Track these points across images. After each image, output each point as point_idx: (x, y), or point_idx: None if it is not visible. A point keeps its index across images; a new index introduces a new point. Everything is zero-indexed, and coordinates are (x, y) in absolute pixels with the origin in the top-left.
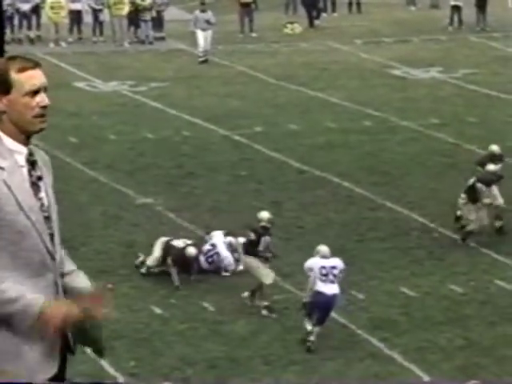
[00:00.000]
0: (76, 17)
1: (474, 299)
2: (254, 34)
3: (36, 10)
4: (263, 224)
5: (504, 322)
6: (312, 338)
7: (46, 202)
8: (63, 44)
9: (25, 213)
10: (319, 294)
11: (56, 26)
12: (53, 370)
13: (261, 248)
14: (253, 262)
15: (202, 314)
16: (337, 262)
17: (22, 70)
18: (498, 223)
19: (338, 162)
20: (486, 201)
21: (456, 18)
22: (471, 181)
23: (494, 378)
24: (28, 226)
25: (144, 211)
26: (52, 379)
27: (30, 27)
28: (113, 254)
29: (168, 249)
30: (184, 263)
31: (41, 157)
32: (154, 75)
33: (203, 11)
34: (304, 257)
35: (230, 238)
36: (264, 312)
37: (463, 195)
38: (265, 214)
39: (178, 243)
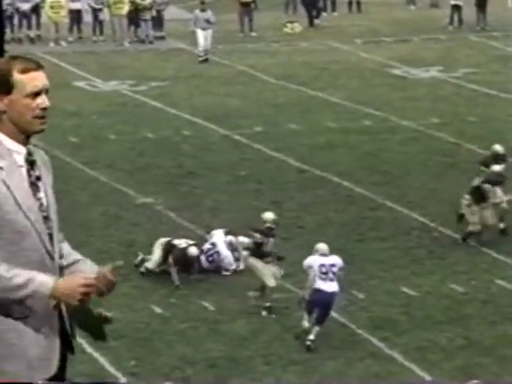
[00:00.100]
0: (76, 16)
1: (474, 299)
2: (253, 34)
3: (36, 9)
4: (268, 225)
5: (505, 321)
6: (311, 337)
7: (44, 201)
8: (63, 43)
9: (24, 212)
10: (318, 291)
11: (56, 25)
12: (53, 369)
13: (267, 249)
14: (257, 263)
15: (202, 313)
16: (336, 260)
17: (24, 70)
18: (501, 225)
19: (338, 162)
20: (496, 200)
21: (456, 18)
22: (476, 181)
23: (494, 378)
24: (27, 225)
25: (144, 211)
26: (52, 379)
27: (29, 27)
28: (113, 254)
29: (169, 248)
30: (185, 263)
31: (40, 157)
32: (154, 75)
33: (203, 10)
34: (304, 256)
35: (230, 237)
36: (264, 313)
37: (467, 196)
38: (269, 215)
39: (180, 243)
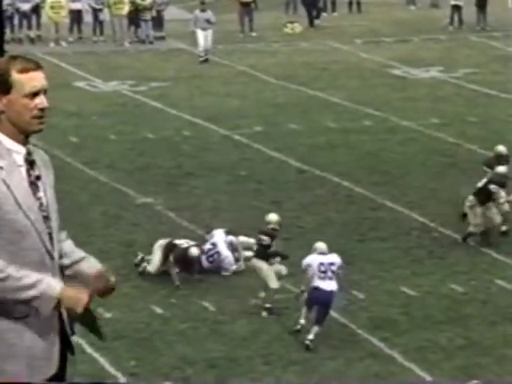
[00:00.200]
0: (76, 16)
1: (474, 299)
2: (253, 34)
3: (36, 9)
4: (272, 226)
5: (505, 321)
6: (311, 336)
7: (44, 201)
8: (63, 44)
9: (24, 212)
10: (317, 289)
11: (56, 25)
12: (53, 369)
13: (273, 250)
14: (262, 264)
15: (202, 313)
16: (335, 259)
17: (23, 70)
18: (504, 227)
19: (338, 162)
20: (502, 200)
21: (456, 18)
22: (482, 182)
23: (494, 378)
24: (27, 225)
25: (144, 211)
26: (52, 379)
27: (30, 27)
28: (113, 254)
29: (171, 247)
30: (186, 263)
31: (40, 156)
32: (154, 75)
33: (203, 11)
34: (304, 256)
35: (230, 237)
36: (264, 314)
37: (471, 197)
38: (273, 217)
39: (181, 243)
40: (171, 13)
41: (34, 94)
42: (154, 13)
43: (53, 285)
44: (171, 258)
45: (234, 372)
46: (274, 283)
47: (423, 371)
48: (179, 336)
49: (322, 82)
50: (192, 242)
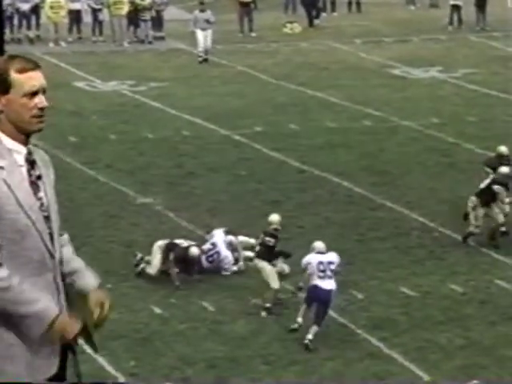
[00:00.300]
0: (75, 16)
1: (474, 299)
2: (253, 34)
3: (35, 9)
4: (275, 226)
5: (504, 321)
6: (310, 336)
7: (45, 201)
8: (63, 44)
9: (25, 212)
10: (316, 287)
11: (55, 25)
12: (53, 369)
13: (277, 250)
14: (265, 265)
15: (201, 313)
16: (333, 257)
17: (22, 70)
18: (504, 227)
19: (338, 162)
20: (507, 200)
21: (456, 18)
22: (485, 183)
23: (494, 378)
24: (28, 225)
25: (144, 211)
26: (52, 379)
27: (29, 27)
28: (113, 254)
29: (171, 247)
30: (186, 262)
31: (40, 156)
32: (153, 75)
33: (202, 11)
34: (304, 256)
35: (230, 237)
36: (263, 314)
37: (474, 198)
38: (275, 217)
39: (182, 242)
40: (171, 13)
41: (33, 94)
42: (153, 13)
43: (50, 308)
44: (171, 257)
45: (234, 372)
46: (275, 283)
47: (423, 371)
48: (179, 336)
49: (322, 82)
50: (192, 242)
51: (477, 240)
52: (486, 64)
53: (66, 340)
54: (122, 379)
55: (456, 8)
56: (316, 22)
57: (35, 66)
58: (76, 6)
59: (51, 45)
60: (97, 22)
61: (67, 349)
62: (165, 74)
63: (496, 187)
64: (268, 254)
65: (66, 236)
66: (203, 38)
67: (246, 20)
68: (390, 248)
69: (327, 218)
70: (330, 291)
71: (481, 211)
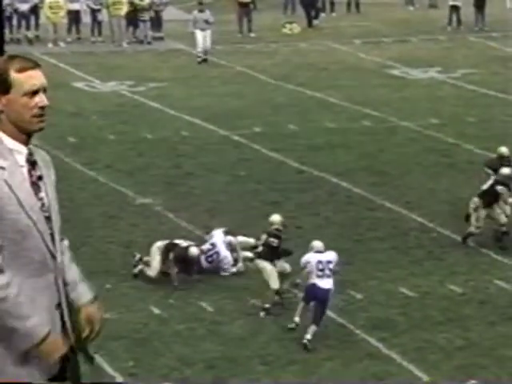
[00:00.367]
0: (74, 17)
1: (473, 299)
2: (252, 34)
3: (34, 10)
4: (276, 227)
5: (503, 321)
6: (308, 336)
7: (46, 201)
8: (62, 44)
9: (26, 212)
10: (314, 286)
11: (54, 26)
12: (54, 369)
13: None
14: (267, 265)
15: (200, 314)
16: (332, 256)
17: (21, 69)
18: (504, 228)
19: (337, 162)
20: (511, 200)
21: (454, 18)
22: (487, 184)
23: (493, 378)
24: (29, 225)
25: (143, 211)
26: (52, 379)
27: (28, 27)
28: (112, 254)
29: (170, 247)
30: (185, 262)
31: (41, 157)
32: (152, 75)
33: (201, 11)
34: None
35: (229, 238)
36: (262, 314)
37: (476, 199)
38: (277, 217)
39: (181, 242)
40: (170, 13)
41: (34, 93)
42: (152, 13)
43: (41, 327)
44: (171, 257)
45: (233, 372)
46: (275, 284)
47: (422, 371)
48: (177, 336)
49: (321, 83)
50: (191, 243)
51: (476, 240)
52: (485, 64)
53: (51, 360)
54: (120, 379)
55: (455, 8)
56: (315, 22)
57: (35, 65)
58: (75, 6)
59: (50, 45)
60: (96, 23)
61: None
62: (164, 75)
63: (499, 188)
64: (271, 254)
65: (66, 242)
66: (202, 38)
67: (245, 20)
68: (388, 248)
69: (326, 218)
70: (328, 290)
71: (483, 212)
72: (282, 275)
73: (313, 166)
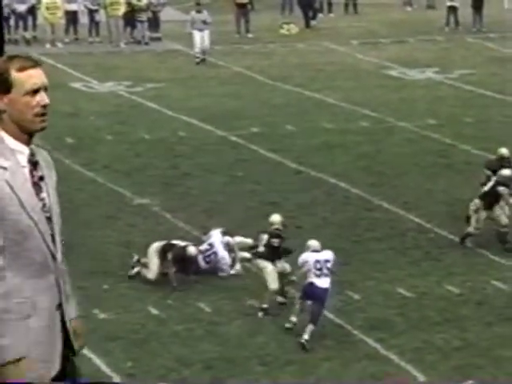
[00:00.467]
0: (72, 17)
1: (470, 300)
2: (250, 35)
3: (32, 10)
4: (276, 227)
5: (500, 322)
6: (306, 336)
7: (47, 202)
8: (59, 45)
9: (27, 213)
10: (312, 285)
11: (52, 26)
12: (54, 370)
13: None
14: (267, 265)
15: (198, 314)
16: (329, 255)
17: (22, 69)
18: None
19: (335, 163)
20: (510, 201)
21: (452, 19)
22: (488, 186)
23: (490, 379)
24: (31, 225)
25: (141, 212)
26: (53, 379)
27: (26, 28)
28: (110, 255)
29: (168, 247)
30: (183, 262)
31: (43, 157)
32: (150, 76)
33: (199, 12)
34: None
35: (227, 238)
36: (260, 314)
37: (477, 201)
38: (276, 217)
39: (179, 242)
40: (167, 14)
41: (35, 92)
42: (149, 14)
43: (13, 351)
44: (169, 257)
45: (231, 373)
46: (274, 284)
47: (419, 372)
48: (175, 337)
49: (319, 83)
50: (189, 243)
51: (473, 241)
52: (483, 65)
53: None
54: (118, 380)
55: (452, 9)
56: (313, 23)
57: (35, 63)
58: (72, 6)
59: (48, 46)
60: (93, 23)
61: (68, 349)
62: (161, 75)
63: (501, 189)
64: (272, 254)
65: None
66: (200, 38)
67: (242, 21)
68: (386, 249)
69: (324, 218)
70: (326, 289)
71: (483, 214)
72: (282, 275)
73: (310, 166)
